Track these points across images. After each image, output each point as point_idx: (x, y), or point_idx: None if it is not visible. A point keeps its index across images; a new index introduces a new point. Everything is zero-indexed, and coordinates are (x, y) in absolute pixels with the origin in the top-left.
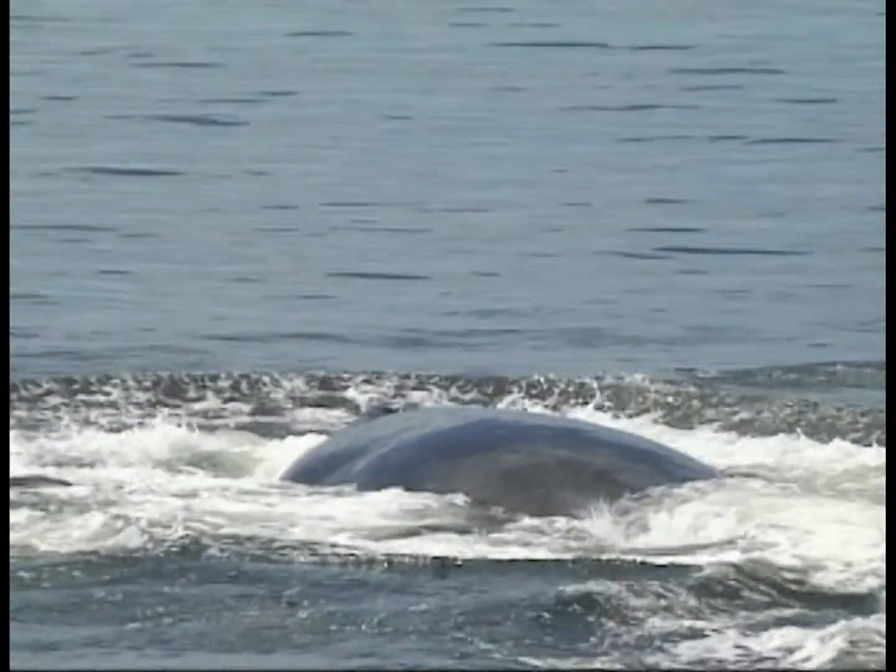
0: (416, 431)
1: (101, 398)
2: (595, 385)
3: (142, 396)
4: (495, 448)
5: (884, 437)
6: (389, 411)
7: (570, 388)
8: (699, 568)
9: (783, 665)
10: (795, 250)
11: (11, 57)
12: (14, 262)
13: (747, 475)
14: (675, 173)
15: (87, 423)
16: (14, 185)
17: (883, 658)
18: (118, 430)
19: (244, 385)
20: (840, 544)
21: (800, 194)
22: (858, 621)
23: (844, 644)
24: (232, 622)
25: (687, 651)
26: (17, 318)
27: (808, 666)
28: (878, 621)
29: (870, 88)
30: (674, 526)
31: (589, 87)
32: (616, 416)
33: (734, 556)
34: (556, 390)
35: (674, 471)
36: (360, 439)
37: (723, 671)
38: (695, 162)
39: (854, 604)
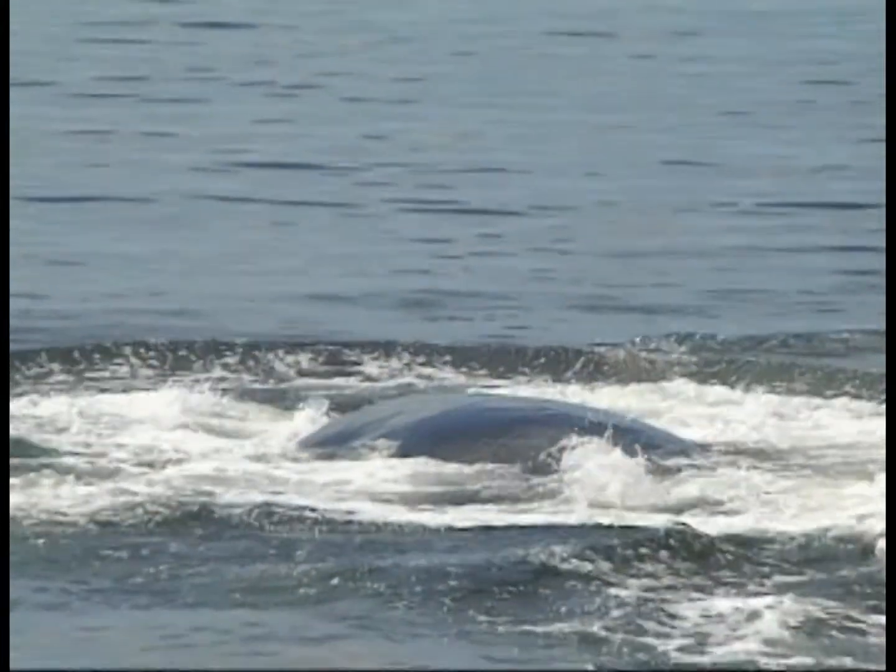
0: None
1: (110, 364)
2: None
3: (152, 362)
4: (491, 429)
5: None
6: None
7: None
8: (665, 532)
9: (741, 629)
10: None
11: None
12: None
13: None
14: None
15: (93, 388)
16: None
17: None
18: (127, 396)
19: (253, 352)
20: (800, 511)
21: None
22: (811, 587)
23: (796, 608)
24: (232, 579)
25: (651, 613)
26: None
27: (760, 628)
28: (829, 584)
29: None
30: (640, 493)
31: None
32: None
33: (696, 521)
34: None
35: (648, 444)
36: (380, 414)
37: (685, 634)
38: None
39: (811, 569)
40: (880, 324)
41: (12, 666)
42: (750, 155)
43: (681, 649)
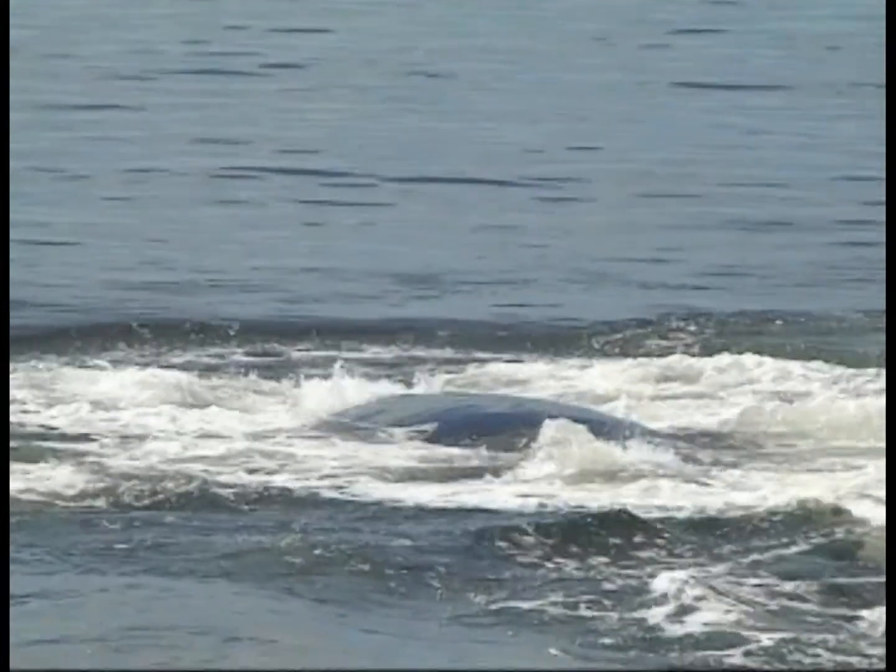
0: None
1: (108, 342)
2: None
3: (149, 339)
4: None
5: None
6: None
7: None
8: (609, 512)
9: (680, 608)
10: None
11: None
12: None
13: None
14: None
15: (92, 366)
16: None
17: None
18: (126, 373)
19: (250, 328)
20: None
21: None
22: (750, 565)
23: (732, 585)
24: (219, 552)
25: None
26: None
27: (699, 607)
28: (771, 562)
29: None
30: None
31: None
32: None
33: (626, 500)
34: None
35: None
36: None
37: (624, 612)
38: None
39: (753, 546)
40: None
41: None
42: None
43: (620, 629)
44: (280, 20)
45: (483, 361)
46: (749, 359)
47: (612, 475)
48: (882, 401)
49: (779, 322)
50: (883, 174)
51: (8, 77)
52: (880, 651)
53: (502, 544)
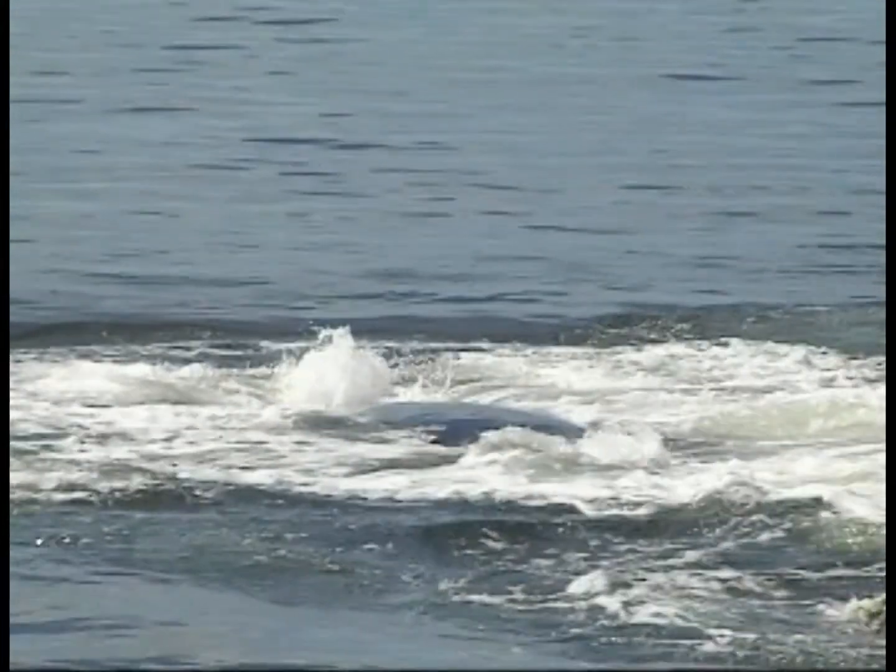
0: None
1: (79, 337)
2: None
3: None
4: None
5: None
6: None
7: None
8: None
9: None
10: None
11: None
12: None
13: None
14: None
15: (61, 362)
16: None
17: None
18: (102, 370)
19: (224, 324)
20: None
21: None
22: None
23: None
24: (186, 546)
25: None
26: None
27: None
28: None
29: None
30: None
31: None
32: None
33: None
34: None
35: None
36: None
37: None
38: None
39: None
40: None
41: None
42: None
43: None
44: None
45: (458, 352)
46: (722, 351)
47: (566, 472)
48: (851, 392)
49: (754, 314)
50: (860, 165)
51: (8, 77)
52: (845, 644)
53: (452, 541)
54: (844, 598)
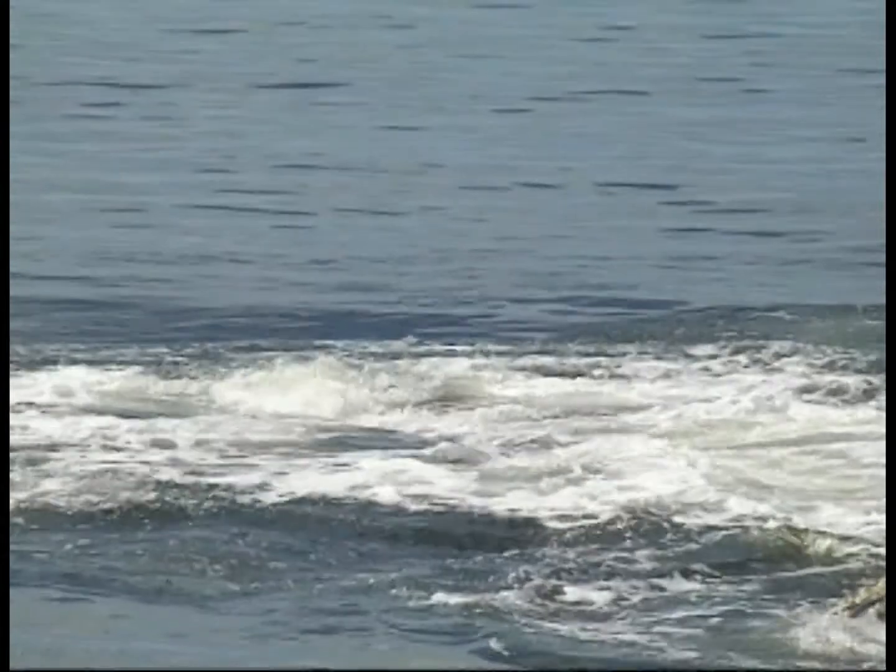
0: None
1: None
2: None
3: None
4: None
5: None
6: None
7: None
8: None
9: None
10: None
11: None
12: None
13: None
14: None
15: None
16: None
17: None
18: (81, 376)
19: (199, 330)
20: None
21: None
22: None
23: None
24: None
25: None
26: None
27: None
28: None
29: None
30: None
31: None
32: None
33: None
34: None
35: None
36: None
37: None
38: None
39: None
40: None
41: None
42: None
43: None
44: None
45: (417, 356)
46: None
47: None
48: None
49: (723, 318)
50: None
51: (8, 78)
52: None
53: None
54: (823, 598)
